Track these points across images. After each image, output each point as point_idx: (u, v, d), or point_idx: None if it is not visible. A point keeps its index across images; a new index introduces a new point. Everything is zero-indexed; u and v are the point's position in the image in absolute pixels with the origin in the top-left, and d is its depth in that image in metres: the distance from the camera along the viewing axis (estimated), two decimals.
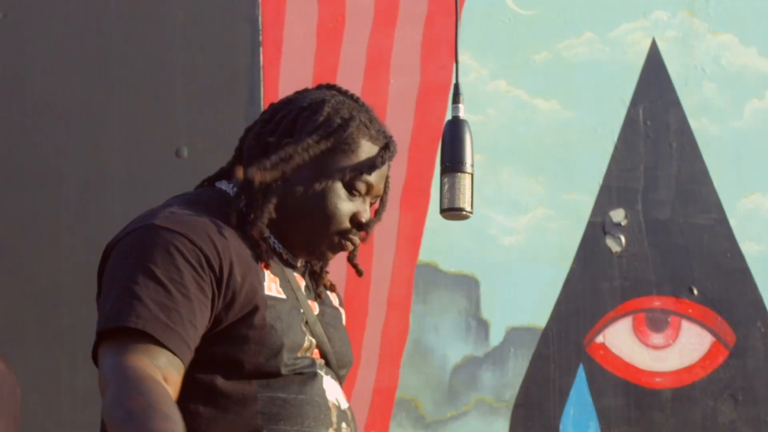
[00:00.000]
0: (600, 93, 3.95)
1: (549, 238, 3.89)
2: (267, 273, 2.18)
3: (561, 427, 3.83)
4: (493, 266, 3.85)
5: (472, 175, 2.39)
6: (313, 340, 2.21)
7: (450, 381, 3.82)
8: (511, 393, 3.84)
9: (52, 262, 3.63)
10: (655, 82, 3.97)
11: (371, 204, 2.28)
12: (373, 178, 2.24)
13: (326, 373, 2.22)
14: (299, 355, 2.17)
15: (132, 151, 3.69)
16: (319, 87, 2.35)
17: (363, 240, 2.27)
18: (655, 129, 3.96)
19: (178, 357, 2.04)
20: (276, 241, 2.24)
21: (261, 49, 3.78)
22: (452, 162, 2.38)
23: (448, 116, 2.54)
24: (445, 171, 2.38)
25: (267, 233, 2.22)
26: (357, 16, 3.85)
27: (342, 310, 2.39)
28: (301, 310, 2.21)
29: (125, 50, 3.73)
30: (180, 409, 1.98)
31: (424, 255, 3.85)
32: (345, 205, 2.22)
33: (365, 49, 3.85)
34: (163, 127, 3.72)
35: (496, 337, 3.85)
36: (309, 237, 2.23)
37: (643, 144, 3.95)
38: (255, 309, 2.12)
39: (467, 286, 3.86)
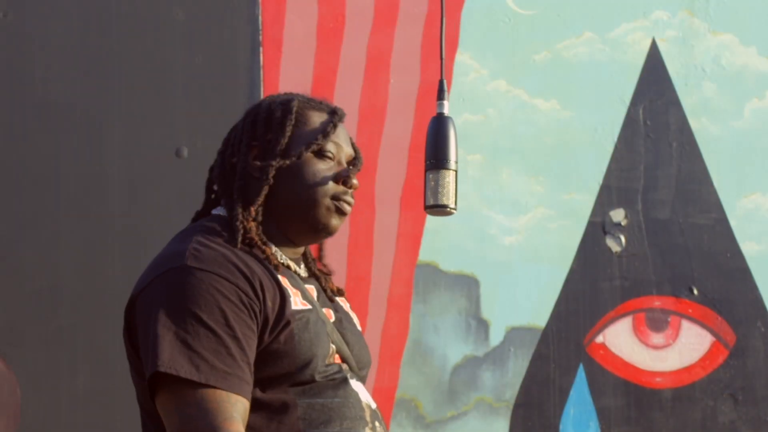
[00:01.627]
0: (600, 93, 3.95)
1: (549, 238, 3.89)
2: (288, 288, 2.25)
3: (561, 427, 3.83)
4: (493, 266, 3.86)
5: (456, 171, 2.40)
6: (333, 347, 2.28)
7: (450, 381, 3.82)
8: (511, 393, 3.84)
9: (52, 262, 3.63)
10: (655, 82, 3.97)
11: (351, 169, 2.36)
12: (336, 138, 2.34)
13: (351, 377, 2.30)
14: (330, 362, 2.26)
15: (132, 151, 3.69)
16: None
17: (351, 204, 2.35)
18: (655, 129, 3.96)
19: (242, 397, 2.13)
20: (282, 254, 2.32)
21: (261, 49, 3.78)
22: (436, 159, 2.40)
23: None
24: (429, 168, 2.40)
25: (273, 249, 2.31)
26: (357, 16, 3.85)
27: (354, 314, 2.46)
28: (322, 320, 2.28)
29: (125, 50, 3.73)
30: None
31: (424, 255, 3.85)
32: (323, 170, 2.31)
33: (365, 49, 3.85)
34: (163, 127, 3.72)
35: (496, 337, 3.85)
36: (306, 214, 2.31)
37: (643, 144, 3.95)
38: (286, 325, 2.20)
39: (467, 286, 3.86)
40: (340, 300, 2.44)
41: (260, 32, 3.79)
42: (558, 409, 3.84)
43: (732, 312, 3.92)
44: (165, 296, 2.17)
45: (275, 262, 2.26)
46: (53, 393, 3.58)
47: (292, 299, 2.23)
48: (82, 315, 3.61)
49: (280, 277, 2.25)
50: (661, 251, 3.92)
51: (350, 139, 2.40)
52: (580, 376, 3.85)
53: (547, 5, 3.94)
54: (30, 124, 3.68)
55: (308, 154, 2.31)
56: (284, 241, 2.33)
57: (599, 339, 3.88)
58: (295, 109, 2.34)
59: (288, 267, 2.31)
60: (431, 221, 3.84)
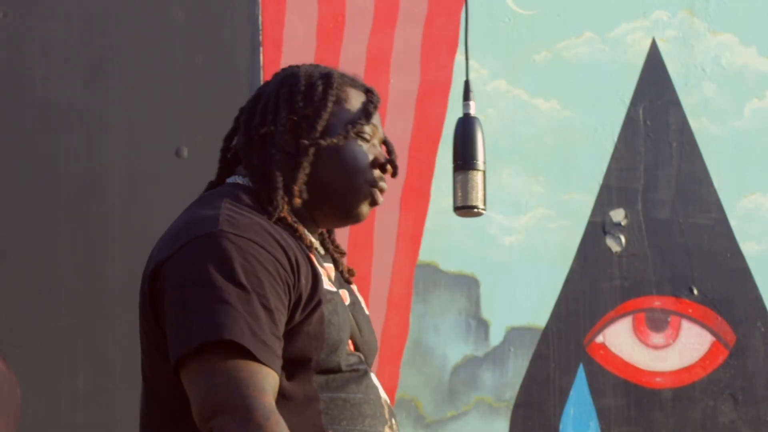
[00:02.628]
0: (600, 93, 3.95)
1: (549, 238, 3.89)
2: (319, 268, 2.15)
3: (561, 427, 3.83)
4: (493, 266, 3.85)
5: (484, 172, 2.37)
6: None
7: (450, 381, 3.82)
8: (511, 393, 3.84)
9: (52, 262, 3.63)
10: (655, 82, 3.97)
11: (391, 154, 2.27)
12: (374, 119, 2.23)
13: (368, 369, 2.20)
14: (351, 350, 2.16)
15: (132, 151, 3.69)
16: (275, 74, 2.32)
17: (384, 191, 2.24)
18: (655, 129, 3.96)
19: (273, 371, 2.00)
20: (308, 233, 2.21)
21: (261, 49, 3.78)
22: (464, 160, 2.36)
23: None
24: (457, 169, 2.36)
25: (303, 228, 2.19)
26: (357, 16, 3.85)
27: (362, 298, 2.34)
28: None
29: (125, 50, 3.73)
30: None
31: (424, 255, 3.85)
32: (362, 152, 2.21)
33: (365, 49, 3.85)
34: (163, 127, 3.72)
35: (496, 337, 3.85)
36: (341, 198, 2.20)
37: (643, 144, 3.95)
38: (317, 305, 2.09)
39: (467, 286, 3.86)
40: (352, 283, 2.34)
41: (260, 32, 3.79)
42: (558, 409, 3.84)
43: (732, 312, 3.91)
44: (201, 262, 2.02)
45: (307, 241, 2.16)
46: (53, 393, 3.58)
47: (324, 279, 2.13)
48: (82, 315, 3.61)
49: (310, 255, 2.15)
50: (661, 251, 3.92)
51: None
52: (580, 376, 3.85)
53: (547, 5, 3.94)
54: (30, 124, 3.68)
55: (345, 132, 2.19)
56: (307, 220, 2.21)
57: (599, 339, 3.88)
58: (335, 84, 2.22)
59: (312, 245, 2.20)
60: (431, 221, 3.84)
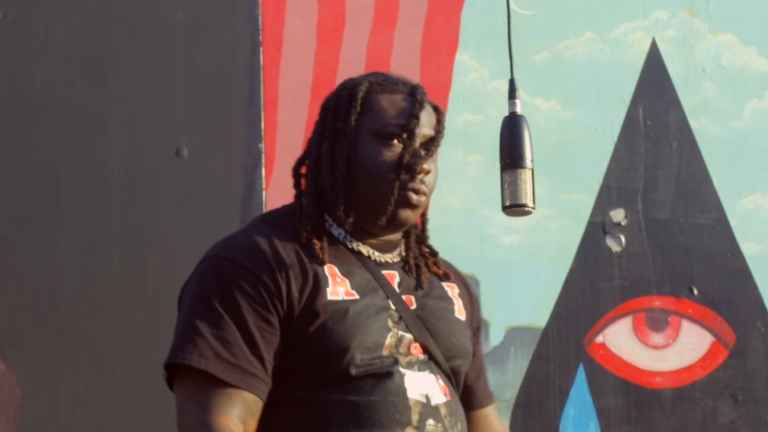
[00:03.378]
0: (600, 93, 3.94)
1: (549, 238, 3.88)
2: (331, 278, 2.18)
3: (561, 427, 3.83)
4: (493, 266, 3.85)
5: (532, 170, 2.35)
6: (408, 336, 2.20)
7: None
8: (511, 393, 3.84)
9: (52, 262, 3.63)
10: (655, 82, 3.97)
11: (418, 152, 2.25)
12: (400, 119, 2.23)
13: (419, 369, 2.20)
14: (384, 353, 2.16)
15: (132, 151, 3.69)
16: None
17: (423, 192, 2.24)
18: (655, 129, 3.96)
19: (246, 391, 2.09)
20: (358, 242, 2.25)
21: (261, 49, 3.78)
22: (512, 158, 2.35)
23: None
24: (504, 168, 2.34)
25: (341, 233, 2.24)
26: (357, 16, 3.85)
27: (455, 300, 2.35)
28: (393, 307, 2.20)
29: (125, 50, 3.73)
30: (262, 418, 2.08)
31: None
32: (380, 155, 2.21)
33: (365, 49, 3.85)
34: (163, 127, 3.71)
35: (496, 337, 3.85)
36: (372, 205, 2.22)
37: (643, 144, 3.95)
38: (314, 317, 2.13)
39: None
40: (447, 286, 2.35)
41: (260, 32, 3.79)
42: (558, 409, 3.84)
43: (732, 312, 3.91)
44: (192, 285, 2.17)
45: (320, 256, 2.18)
46: (53, 393, 3.58)
47: (330, 288, 2.16)
48: (82, 315, 3.60)
49: (326, 267, 2.18)
50: (661, 251, 3.92)
51: (436, 118, 2.29)
52: (580, 376, 3.85)
53: (547, 5, 3.94)
54: (30, 124, 3.68)
55: (369, 139, 2.22)
56: (360, 231, 2.25)
57: (599, 339, 3.87)
58: (361, 95, 2.25)
59: (360, 253, 2.23)
60: (431, 221, 3.84)
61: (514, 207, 2.33)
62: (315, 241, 2.20)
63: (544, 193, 3.90)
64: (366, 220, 2.24)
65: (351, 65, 3.82)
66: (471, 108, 3.88)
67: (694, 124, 3.96)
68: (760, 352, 3.92)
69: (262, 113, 3.72)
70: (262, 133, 3.70)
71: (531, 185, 2.34)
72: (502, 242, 3.87)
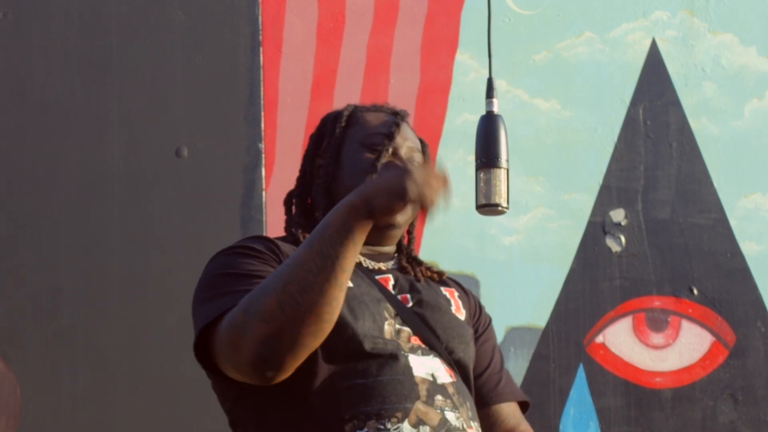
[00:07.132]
0: (600, 93, 3.94)
1: (549, 238, 3.88)
2: None
3: (561, 427, 3.83)
4: (493, 266, 3.85)
5: (507, 170, 2.36)
6: (406, 329, 2.25)
7: None
8: None
9: (52, 262, 3.63)
10: (655, 82, 3.97)
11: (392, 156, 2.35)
12: (384, 129, 2.34)
13: (422, 354, 2.24)
14: (387, 337, 2.22)
15: (132, 151, 3.69)
16: None
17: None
18: (655, 129, 3.96)
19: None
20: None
21: (261, 49, 3.78)
22: (486, 157, 2.35)
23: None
24: (479, 167, 2.35)
25: None
26: (357, 16, 3.85)
27: (452, 300, 2.42)
28: (388, 304, 2.27)
29: (125, 50, 3.73)
30: (267, 416, 2.15)
31: (424, 255, 3.83)
32: (365, 160, 2.31)
33: (365, 49, 3.85)
34: (163, 127, 3.71)
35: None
36: None
37: (643, 144, 3.95)
38: None
39: (467, 286, 3.85)
40: (444, 290, 2.42)
41: (260, 32, 3.79)
42: (558, 409, 3.84)
43: (732, 312, 3.91)
44: (202, 280, 2.25)
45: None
46: (53, 393, 3.58)
47: None
48: (82, 315, 3.61)
49: None
50: (661, 251, 3.92)
51: (421, 146, 2.41)
52: (580, 376, 3.85)
53: (547, 5, 3.94)
54: (30, 123, 3.68)
55: (355, 146, 2.33)
56: None
57: (599, 339, 3.88)
58: (347, 113, 2.37)
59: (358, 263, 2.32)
60: (431, 221, 3.84)
61: (487, 207, 2.34)
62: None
63: (544, 193, 3.90)
64: None
65: (351, 65, 3.82)
66: (471, 108, 3.88)
67: (694, 124, 3.96)
68: (760, 352, 3.92)
69: (262, 113, 3.72)
70: (262, 133, 3.70)
71: (506, 185, 2.34)
72: (502, 242, 3.87)
